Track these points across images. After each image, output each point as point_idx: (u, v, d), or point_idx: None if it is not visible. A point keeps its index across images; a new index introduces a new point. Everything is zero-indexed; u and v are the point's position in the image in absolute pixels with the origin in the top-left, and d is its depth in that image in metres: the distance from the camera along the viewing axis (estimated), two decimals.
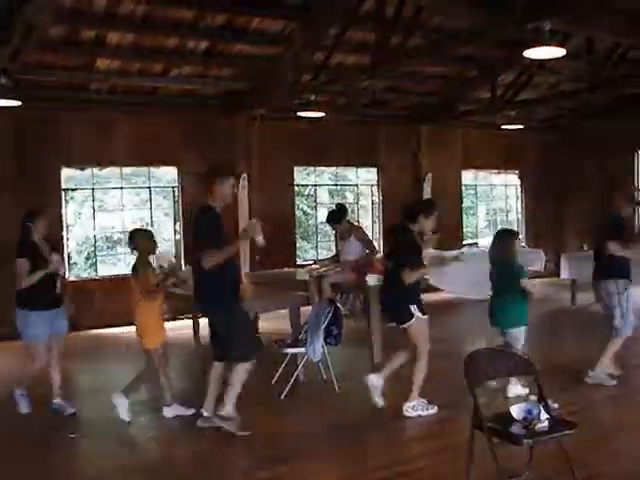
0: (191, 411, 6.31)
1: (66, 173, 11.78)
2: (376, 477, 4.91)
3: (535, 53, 8.14)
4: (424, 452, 5.40)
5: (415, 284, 6.21)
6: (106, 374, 8.47)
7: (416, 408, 6.23)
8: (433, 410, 6.26)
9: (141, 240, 6.28)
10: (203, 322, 9.37)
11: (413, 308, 6.16)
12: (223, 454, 5.51)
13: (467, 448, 4.35)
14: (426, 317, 6.29)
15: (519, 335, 6.44)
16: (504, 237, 6.66)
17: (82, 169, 11.97)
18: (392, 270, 6.32)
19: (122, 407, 6.27)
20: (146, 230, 6.79)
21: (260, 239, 5.63)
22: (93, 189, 12.19)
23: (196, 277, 5.84)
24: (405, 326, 6.20)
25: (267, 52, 11.17)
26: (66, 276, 7.39)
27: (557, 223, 17.00)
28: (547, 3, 7.35)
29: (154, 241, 6.41)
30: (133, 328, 6.39)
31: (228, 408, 5.79)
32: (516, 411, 4.28)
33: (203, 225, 5.73)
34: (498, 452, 4.15)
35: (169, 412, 6.41)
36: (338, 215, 9.45)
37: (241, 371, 5.74)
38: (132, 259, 6.40)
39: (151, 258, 6.43)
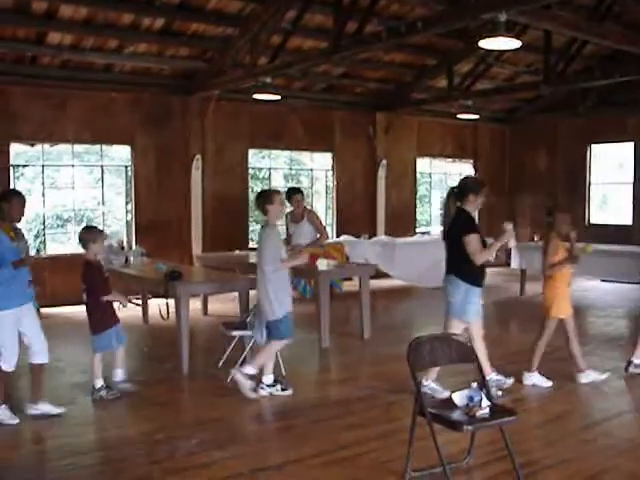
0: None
1: (15, 149, 11.52)
2: (317, 462, 4.89)
3: (490, 44, 8.14)
4: (368, 437, 5.38)
5: None
6: (57, 354, 8.32)
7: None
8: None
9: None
10: (152, 302, 9.34)
11: None
12: (161, 439, 5.43)
13: (409, 434, 4.37)
14: None
15: None
16: None
17: (32, 145, 11.71)
18: None
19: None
20: None
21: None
22: (43, 166, 11.93)
23: None
24: None
25: (224, 32, 11.06)
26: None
27: (509, 213, 17.17)
28: None
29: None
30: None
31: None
32: (458, 398, 4.32)
33: None
34: (440, 438, 4.18)
35: (584, 379, 6.62)
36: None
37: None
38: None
39: None
